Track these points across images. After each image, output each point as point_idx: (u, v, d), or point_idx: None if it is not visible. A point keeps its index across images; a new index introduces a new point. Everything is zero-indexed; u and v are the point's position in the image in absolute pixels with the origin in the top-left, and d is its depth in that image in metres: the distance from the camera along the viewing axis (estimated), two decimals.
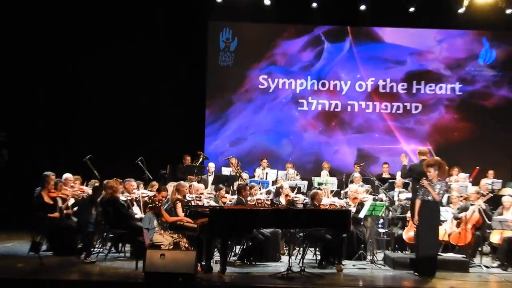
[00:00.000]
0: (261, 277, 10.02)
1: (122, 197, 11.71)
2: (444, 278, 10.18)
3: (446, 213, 12.03)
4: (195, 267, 9.25)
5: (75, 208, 12.09)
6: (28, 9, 15.68)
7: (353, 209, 12.03)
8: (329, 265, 11.09)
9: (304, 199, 12.56)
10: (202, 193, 12.23)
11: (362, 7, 16.85)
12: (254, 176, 15.00)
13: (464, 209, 12.11)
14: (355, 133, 17.83)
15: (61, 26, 16.24)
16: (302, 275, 10.04)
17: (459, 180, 14.37)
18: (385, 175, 15.52)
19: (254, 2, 16.36)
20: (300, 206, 11.95)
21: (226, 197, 12.58)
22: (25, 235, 12.17)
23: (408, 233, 12.13)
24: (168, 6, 16.41)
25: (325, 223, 10.84)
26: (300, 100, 17.93)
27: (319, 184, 14.02)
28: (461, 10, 16.49)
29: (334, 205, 12.09)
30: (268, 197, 12.60)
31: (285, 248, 12.14)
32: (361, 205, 12.22)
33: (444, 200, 12.31)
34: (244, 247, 11.56)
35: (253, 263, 11.20)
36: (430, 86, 17.90)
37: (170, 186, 12.06)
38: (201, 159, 15.28)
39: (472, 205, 12.05)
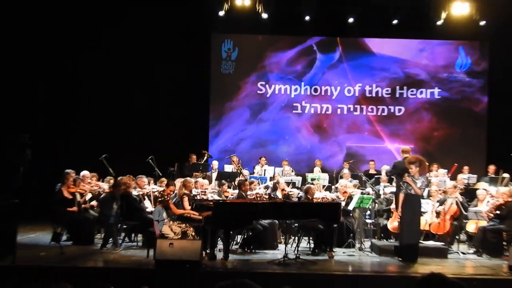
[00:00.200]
0: (260, 264, 10.01)
1: (134, 192, 11.70)
2: (425, 264, 10.17)
3: (426, 205, 12.01)
4: (200, 255, 9.24)
5: (93, 202, 12.09)
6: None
7: (343, 202, 12.02)
8: (321, 253, 11.08)
9: (299, 193, 12.54)
10: (206, 188, 12.21)
11: (351, 20, 16.85)
12: (253, 173, 14.99)
13: (443, 201, 12.09)
14: (344, 134, 17.81)
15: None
16: (297, 262, 10.05)
17: (439, 176, 14.36)
18: (372, 171, 15.54)
19: (253, 16, 16.33)
20: (295, 199, 11.94)
21: (228, 192, 12.58)
22: (47, 227, 12.16)
23: (393, 223, 12.11)
24: (176, 19, 16.34)
25: (318, 214, 10.86)
26: (294, 104, 17.90)
27: (312, 179, 14.00)
28: (439, 22, 16.54)
29: (326, 198, 12.07)
30: (266, 191, 12.57)
31: (281, 237, 12.10)
32: (350, 198, 12.23)
33: (425, 193, 12.29)
34: (245, 236, 11.54)
35: (253, 251, 11.19)
36: (412, 91, 17.88)
37: (178, 182, 12.05)
38: (205, 158, 15.28)
39: (450, 198, 12.03)
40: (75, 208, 11.41)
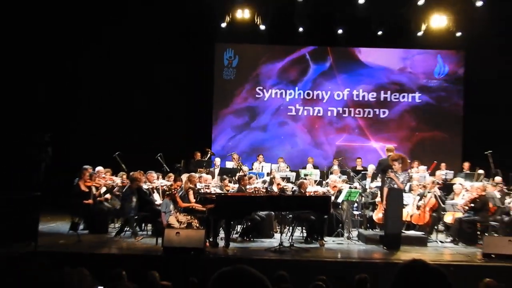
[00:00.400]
0: (258, 251, 9.98)
1: (144, 186, 11.66)
2: (407, 251, 10.15)
3: (408, 198, 11.96)
4: (204, 243, 9.22)
5: (107, 195, 12.04)
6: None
7: (333, 196, 11.95)
8: (313, 241, 11.05)
9: (293, 187, 12.46)
10: (210, 183, 12.13)
11: (340, 31, 16.78)
12: (252, 169, 14.90)
13: (423, 195, 12.03)
14: (334, 134, 17.73)
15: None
16: (291, 249, 10.02)
17: (419, 172, 14.31)
18: (359, 168, 15.45)
19: (252, 27, 16.28)
20: (290, 193, 11.89)
21: (229, 186, 12.50)
22: (65, 217, 12.11)
23: (378, 215, 12.06)
24: (181, 30, 16.28)
25: (310, 207, 10.83)
26: (289, 107, 17.81)
27: (305, 175, 13.92)
28: (419, 33, 16.48)
29: (318, 192, 11.99)
30: (264, 185, 12.51)
31: (277, 227, 12.04)
32: (339, 192, 12.15)
33: (407, 188, 12.23)
34: (244, 226, 11.50)
35: (251, 239, 11.14)
36: (395, 95, 17.80)
37: (184, 177, 11.98)
38: (209, 155, 15.22)
39: (429, 192, 11.98)
40: (90, 201, 11.35)
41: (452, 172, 14.77)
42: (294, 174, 14.34)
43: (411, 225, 11.95)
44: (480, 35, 15.71)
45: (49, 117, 14.93)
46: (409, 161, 11.27)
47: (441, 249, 10.79)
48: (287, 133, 17.80)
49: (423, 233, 11.55)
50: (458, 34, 16.37)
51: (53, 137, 9.79)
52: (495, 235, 11.23)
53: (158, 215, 10.68)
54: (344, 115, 17.76)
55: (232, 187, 12.45)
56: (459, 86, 17.71)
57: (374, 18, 16.35)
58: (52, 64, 15.52)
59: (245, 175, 12.18)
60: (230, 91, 17.83)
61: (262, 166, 15.18)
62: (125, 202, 11.01)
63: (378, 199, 12.04)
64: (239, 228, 11.80)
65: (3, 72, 14.44)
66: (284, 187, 12.50)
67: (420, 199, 11.97)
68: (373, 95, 17.78)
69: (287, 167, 15.14)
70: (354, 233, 11.84)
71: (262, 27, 16.36)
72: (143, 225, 11.99)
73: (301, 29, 16.77)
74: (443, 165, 15.19)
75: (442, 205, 11.98)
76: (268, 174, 14.25)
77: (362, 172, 14.47)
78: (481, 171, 14.06)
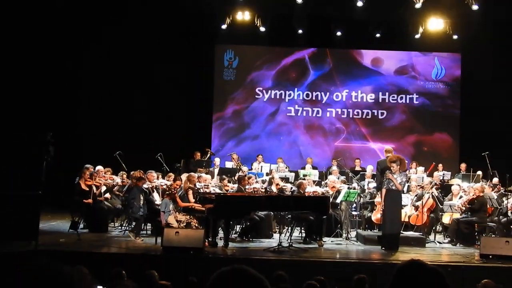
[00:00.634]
0: (256, 251, 9.94)
1: (144, 185, 11.60)
2: (405, 252, 10.11)
3: (406, 199, 11.94)
4: (203, 243, 9.18)
5: (106, 195, 12.02)
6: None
7: (331, 196, 11.93)
8: (312, 241, 11.00)
9: (291, 187, 12.44)
10: (209, 183, 12.11)
11: (338, 33, 16.77)
12: (251, 169, 14.87)
13: (421, 196, 12.02)
14: (333, 134, 17.72)
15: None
16: (290, 249, 9.97)
17: (417, 173, 14.31)
18: (357, 168, 15.43)
19: (252, 29, 16.28)
20: (288, 193, 11.87)
21: (228, 186, 12.47)
22: (66, 216, 12.10)
23: (376, 215, 12.03)
24: (182, 31, 16.27)
25: (309, 207, 10.81)
26: (289, 108, 17.80)
27: (304, 175, 13.90)
28: (417, 36, 16.48)
29: (316, 192, 11.97)
30: (263, 186, 12.49)
31: (276, 227, 12.01)
32: (338, 192, 12.11)
33: (405, 188, 12.21)
34: (243, 226, 11.47)
35: (250, 239, 11.11)
36: (393, 97, 17.80)
37: (184, 177, 11.95)
38: (208, 155, 15.20)
39: (427, 193, 11.97)
40: (90, 200, 11.29)
41: (450, 173, 14.76)
42: (293, 174, 14.32)
43: (409, 225, 11.93)
44: (476, 38, 15.77)
45: (49, 117, 14.89)
46: (406, 162, 11.24)
47: (439, 250, 10.76)
48: (286, 134, 17.79)
49: (421, 233, 11.53)
50: (455, 37, 16.40)
51: (54, 136, 9.77)
52: (493, 236, 11.20)
53: (158, 214, 10.65)
54: (342, 116, 17.75)
55: (231, 187, 12.43)
56: (456, 88, 17.71)
57: (372, 20, 16.39)
58: (52, 64, 15.49)
59: (245, 176, 12.15)
60: (230, 92, 17.82)
61: (262, 166, 15.16)
62: (133, 201, 10.94)
63: (376, 199, 12.02)
64: (238, 228, 11.77)
65: (4, 72, 14.42)
66: (283, 187, 12.48)
67: (418, 200, 11.96)
68: (371, 96, 17.78)
69: (286, 168, 15.13)
70: (353, 233, 11.81)
71: (262, 29, 16.36)
72: (142, 224, 11.95)
73: (300, 31, 16.75)
74: (440, 166, 15.19)
75: (440, 206, 11.97)
76: (267, 174, 14.24)
77: (361, 172, 14.45)
78: (479, 172, 14.05)
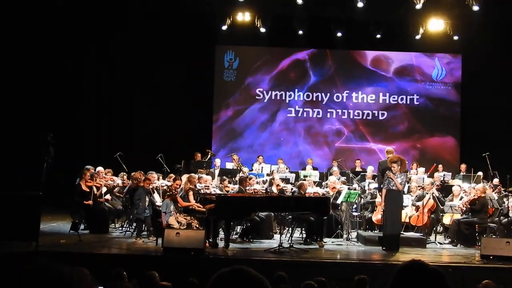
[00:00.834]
0: (257, 252, 9.95)
1: None
2: (406, 252, 10.11)
3: (407, 199, 11.93)
4: (204, 243, 9.18)
5: (107, 196, 12.03)
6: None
7: (332, 197, 11.92)
8: (312, 242, 11.00)
9: (292, 188, 12.43)
10: (210, 184, 12.10)
11: (339, 34, 16.76)
12: (252, 170, 14.87)
13: (421, 196, 12.01)
14: (334, 135, 17.70)
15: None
16: (291, 250, 9.96)
17: (418, 173, 14.31)
18: (358, 169, 15.41)
19: (252, 30, 16.27)
20: (289, 194, 11.85)
21: (228, 187, 12.45)
22: (67, 217, 12.10)
23: (377, 216, 12.03)
24: (182, 32, 16.27)
25: (309, 208, 10.81)
26: (289, 108, 17.78)
27: (305, 176, 13.90)
28: (418, 37, 16.47)
29: (317, 193, 11.96)
30: (264, 187, 12.48)
31: (276, 228, 12.01)
32: (338, 193, 12.09)
33: (405, 189, 12.20)
34: (244, 227, 11.47)
35: (251, 240, 11.11)
36: (393, 97, 17.78)
37: (184, 178, 11.94)
38: (209, 156, 15.18)
39: (427, 193, 11.96)
40: (90, 202, 11.26)
41: (450, 174, 14.75)
42: (293, 175, 14.31)
43: (409, 226, 11.92)
44: (476, 39, 15.77)
45: (49, 117, 14.90)
46: (407, 162, 11.23)
47: (440, 251, 10.75)
48: (287, 134, 17.77)
49: (421, 234, 11.52)
50: (455, 37, 16.39)
51: (54, 137, 9.77)
52: (493, 236, 11.19)
53: (158, 215, 10.65)
54: (343, 117, 17.73)
55: (232, 188, 12.43)
56: (457, 88, 17.70)
57: (373, 21, 16.37)
58: (52, 64, 15.49)
59: (246, 177, 12.15)
60: (231, 93, 17.81)
61: (262, 167, 15.15)
62: (138, 202, 10.91)
63: (377, 200, 12.01)
64: (238, 228, 11.77)
65: (4, 72, 14.42)
66: (283, 188, 12.48)
67: (418, 201, 11.95)
68: (372, 97, 17.76)
69: (286, 168, 15.11)
70: (353, 234, 11.81)
71: (263, 29, 16.35)
72: (143, 225, 11.93)
73: (300, 32, 16.74)
74: (440, 167, 15.19)
75: (441, 207, 11.96)
76: (268, 175, 14.23)
77: (361, 173, 14.45)
78: (480, 173, 14.05)
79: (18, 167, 10.07)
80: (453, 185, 12.75)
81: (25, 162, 10.09)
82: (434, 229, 12.01)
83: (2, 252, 8.41)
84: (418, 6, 14.14)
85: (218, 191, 11.84)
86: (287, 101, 17.81)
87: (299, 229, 11.92)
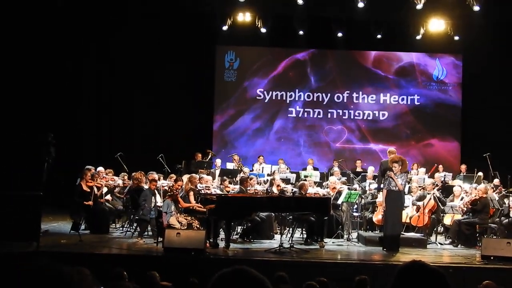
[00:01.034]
0: (258, 252, 9.94)
1: (145, 187, 11.59)
2: (407, 253, 10.10)
3: (407, 200, 11.93)
4: (204, 244, 9.18)
5: (107, 197, 12.03)
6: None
7: (332, 197, 11.91)
8: (313, 242, 10.99)
9: (292, 189, 12.42)
10: (211, 184, 12.10)
11: (339, 34, 16.76)
12: (252, 170, 14.87)
13: (422, 197, 12.01)
14: (334, 135, 17.70)
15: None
16: (291, 250, 9.95)
17: (419, 174, 14.31)
18: (359, 169, 15.40)
19: (253, 30, 16.27)
20: (289, 194, 11.85)
21: (229, 187, 12.45)
22: (67, 217, 12.10)
23: (377, 216, 12.03)
24: (183, 32, 16.27)
25: (310, 208, 10.79)
26: (290, 109, 17.78)
27: (305, 176, 13.90)
28: (418, 37, 16.47)
29: (318, 194, 11.96)
30: (264, 187, 12.48)
31: (277, 228, 12.01)
32: (339, 193, 12.09)
33: (406, 189, 12.19)
34: (244, 227, 11.46)
35: (252, 240, 11.11)
36: (394, 98, 17.78)
37: (185, 178, 11.94)
38: (210, 156, 15.18)
39: (428, 194, 11.95)
40: (90, 203, 11.24)
41: (451, 174, 14.76)
42: (294, 175, 14.31)
43: (410, 227, 11.91)
44: (477, 39, 15.77)
45: (49, 117, 14.90)
46: (407, 163, 11.23)
47: (440, 251, 10.74)
48: (287, 134, 17.77)
49: (422, 235, 11.52)
50: (456, 38, 16.39)
51: (54, 137, 9.78)
52: (494, 237, 11.19)
53: (159, 215, 10.65)
54: (344, 117, 17.73)
55: (233, 188, 12.42)
56: (457, 89, 17.70)
57: (373, 21, 16.36)
58: (52, 64, 15.49)
59: (247, 177, 12.14)
60: (231, 93, 17.81)
61: (263, 167, 15.16)
62: (144, 203, 10.89)
63: (378, 200, 12.00)
64: (239, 229, 11.77)
65: (4, 72, 14.43)
66: (284, 188, 12.47)
67: (419, 201, 11.95)
68: (372, 97, 17.76)
69: (287, 169, 15.11)
70: (354, 234, 11.80)
71: (263, 30, 16.35)
72: (147, 226, 11.94)
73: (301, 32, 16.74)
74: (440, 167, 15.19)
75: (442, 207, 11.95)
76: (269, 175, 14.23)
77: (362, 173, 14.44)
78: (480, 173, 14.04)
79: (18, 167, 10.06)
80: (454, 186, 12.75)
81: (25, 162, 10.07)
82: (435, 229, 12.00)
83: (2, 252, 8.40)
84: (419, 6, 14.13)
85: (219, 192, 11.84)
86: (287, 102, 17.80)
87: (300, 229, 11.92)
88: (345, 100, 17.78)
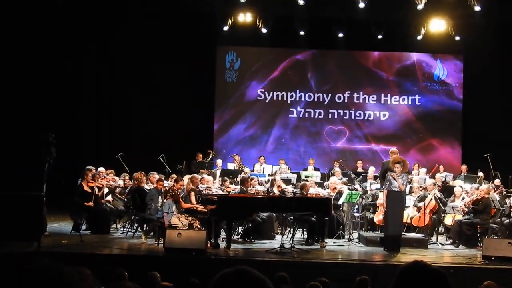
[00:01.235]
0: (259, 252, 9.95)
1: (146, 187, 11.61)
2: (408, 253, 10.10)
3: (408, 200, 11.92)
4: (205, 244, 9.18)
5: (108, 197, 12.03)
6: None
7: (333, 197, 11.90)
8: (314, 243, 10.99)
9: (293, 190, 12.42)
10: (213, 184, 12.09)
11: (340, 35, 16.75)
12: (253, 170, 14.87)
13: (423, 197, 12.00)
14: (335, 135, 17.70)
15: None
16: (292, 251, 9.94)
17: (419, 174, 14.30)
18: (359, 170, 15.41)
19: (254, 31, 16.26)
20: (290, 194, 11.85)
21: (230, 187, 12.45)
22: (68, 217, 12.10)
23: (378, 217, 12.02)
24: (183, 33, 16.27)
25: (311, 208, 10.79)
26: (290, 109, 17.78)
27: (306, 176, 13.90)
28: (419, 37, 16.46)
29: (319, 194, 11.95)
30: (265, 187, 12.47)
31: (278, 228, 12.01)
32: (339, 193, 12.08)
33: (407, 190, 12.18)
34: (245, 227, 11.46)
35: (252, 240, 11.10)
36: (395, 98, 17.77)
37: (186, 178, 11.94)
38: (210, 156, 15.19)
39: (429, 194, 11.94)
40: (90, 204, 11.23)
41: (452, 174, 14.75)
42: (295, 176, 14.31)
43: (411, 227, 11.91)
44: (478, 39, 15.77)
45: (50, 117, 14.91)
46: (409, 163, 11.23)
47: (441, 251, 10.73)
48: (288, 135, 17.77)
49: (423, 235, 11.51)
50: (457, 38, 16.38)
51: (55, 137, 9.77)
52: (495, 237, 11.18)
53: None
54: (345, 117, 17.72)
55: (234, 189, 12.42)
56: (458, 89, 17.69)
57: (374, 22, 16.36)
58: (52, 64, 15.50)
59: (248, 177, 12.14)
60: (232, 93, 17.80)
61: (264, 168, 15.16)
62: (151, 203, 10.87)
63: (379, 201, 11.99)
64: (240, 229, 11.77)
65: (4, 72, 14.43)
66: (284, 189, 12.46)
67: (420, 201, 11.94)
68: (373, 97, 17.75)
69: (288, 169, 15.10)
70: (355, 235, 11.80)
71: (264, 30, 16.35)
72: (144, 225, 11.94)
73: (302, 33, 16.74)
74: (441, 167, 15.20)
75: (443, 207, 11.94)
76: (269, 175, 14.22)
77: (363, 174, 14.44)
78: (481, 174, 14.03)
79: (19, 167, 10.05)
80: (455, 186, 12.74)
81: (25, 162, 10.06)
82: (436, 230, 12.00)
83: (2, 252, 8.40)
84: (420, 7, 14.13)
85: (220, 192, 11.83)
86: (288, 102, 17.79)
87: (301, 229, 11.92)
88: (346, 101, 17.77)
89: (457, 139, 17.50)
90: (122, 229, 12.05)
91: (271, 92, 17.78)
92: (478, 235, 11.36)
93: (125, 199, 12.24)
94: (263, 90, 17.79)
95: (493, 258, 9.35)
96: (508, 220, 11.36)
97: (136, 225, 11.56)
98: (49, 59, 15.36)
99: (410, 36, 16.58)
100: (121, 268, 6.22)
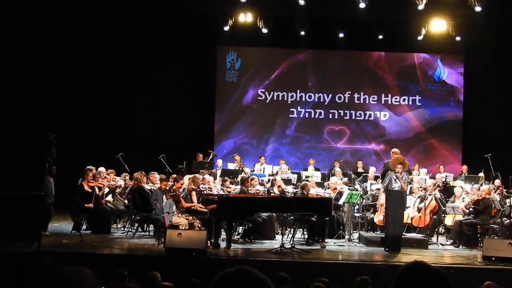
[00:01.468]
0: (259, 252, 9.96)
1: (147, 187, 11.62)
2: (408, 254, 10.10)
3: (408, 201, 11.92)
4: (206, 244, 9.19)
5: (108, 198, 12.03)
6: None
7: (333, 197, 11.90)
8: (314, 243, 11.00)
9: (293, 191, 12.42)
10: (214, 185, 12.09)
11: (341, 35, 16.75)
12: (254, 170, 14.87)
13: (423, 198, 12.00)
14: (335, 135, 17.69)
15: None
16: (293, 251, 9.94)
17: (420, 174, 14.30)
18: (360, 170, 15.41)
19: (254, 31, 16.26)
20: (290, 195, 11.85)
21: (230, 187, 12.46)
22: (68, 217, 12.10)
23: (378, 217, 12.02)
24: (184, 33, 16.26)
25: (311, 208, 10.79)
26: (291, 109, 17.77)
27: (307, 177, 13.90)
28: (420, 37, 16.45)
29: (319, 194, 11.95)
30: (266, 187, 12.48)
31: (278, 228, 12.00)
32: (340, 194, 12.07)
33: (407, 190, 12.18)
34: (246, 227, 11.46)
35: (253, 240, 11.11)
36: (395, 98, 17.77)
37: (186, 178, 11.95)
38: (211, 156, 15.20)
39: (430, 194, 11.94)
40: (91, 205, 11.23)
41: (452, 175, 14.75)
42: (295, 176, 14.31)
43: (411, 227, 11.90)
44: (479, 39, 15.76)
45: (50, 117, 14.90)
46: (409, 164, 11.24)
47: (442, 252, 10.73)
48: (288, 135, 17.77)
49: (423, 235, 11.51)
50: (458, 38, 16.37)
51: (56, 137, 9.78)
52: (495, 238, 11.18)
53: None
54: (345, 118, 17.72)
55: (234, 189, 12.42)
56: (459, 89, 17.69)
57: (375, 22, 16.36)
58: (52, 64, 15.49)
59: (249, 177, 12.14)
60: (232, 93, 17.80)
61: (264, 168, 15.16)
62: (155, 203, 10.85)
63: (379, 201, 11.99)
64: (240, 229, 11.77)
65: (4, 72, 14.43)
66: (285, 189, 12.46)
67: (421, 202, 11.94)
68: (373, 98, 17.74)
69: (288, 169, 15.10)
70: (355, 235, 11.80)
71: (265, 30, 16.35)
72: (145, 225, 11.96)
73: (302, 33, 16.74)
74: (441, 167, 15.20)
75: (443, 208, 11.94)
76: (270, 175, 14.22)
77: (363, 174, 14.44)
78: (481, 174, 14.03)
79: (19, 167, 10.06)
80: (455, 186, 12.73)
81: (25, 162, 10.07)
82: (436, 230, 12.01)
83: (2, 252, 8.41)
84: (420, 7, 14.13)
85: (221, 192, 11.84)
86: (289, 102, 17.79)
87: (301, 230, 11.92)
88: (346, 101, 17.77)
89: (458, 140, 17.50)
90: (122, 229, 12.05)
91: (272, 92, 17.78)
92: (479, 235, 11.36)
93: (126, 199, 12.24)
94: (263, 90, 17.79)
95: (493, 258, 9.35)
96: (508, 221, 11.35)
97: (136, 225, 11.56)
98: (49, 59, 15.35)
99: (411, 36, 16.59)
100: (122, 268, 6.22)
